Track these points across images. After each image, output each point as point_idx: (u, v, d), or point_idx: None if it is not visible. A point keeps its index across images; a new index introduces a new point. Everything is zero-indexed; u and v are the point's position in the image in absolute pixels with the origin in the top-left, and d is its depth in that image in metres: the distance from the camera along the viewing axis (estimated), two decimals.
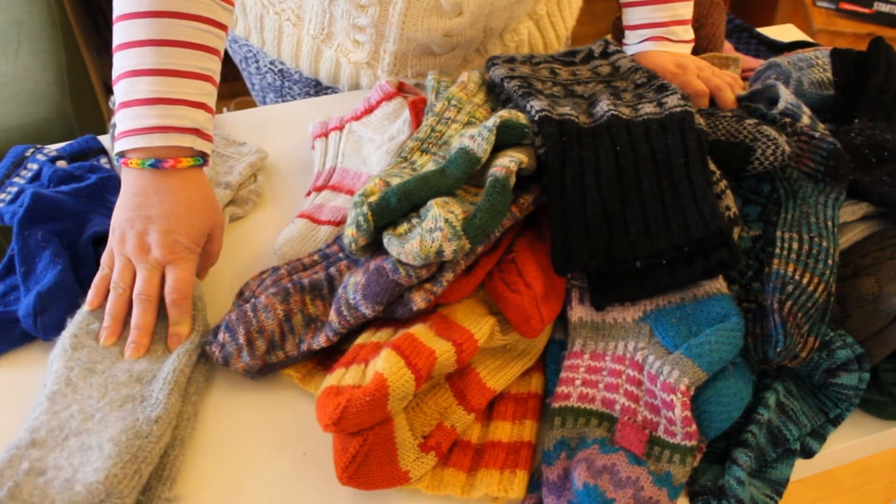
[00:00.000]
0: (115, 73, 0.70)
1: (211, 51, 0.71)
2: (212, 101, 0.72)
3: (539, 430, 0.63)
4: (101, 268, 0.70)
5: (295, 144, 0.93)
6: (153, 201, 0.69)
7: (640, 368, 0.62)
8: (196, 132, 0.70)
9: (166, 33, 0.68)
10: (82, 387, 0.61)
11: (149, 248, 0.68)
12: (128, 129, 0.69)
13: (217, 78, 0.73)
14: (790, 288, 0.62)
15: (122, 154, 0.70)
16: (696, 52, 0.97)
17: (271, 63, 1.05)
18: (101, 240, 0.73)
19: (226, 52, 1.14)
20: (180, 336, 0.67)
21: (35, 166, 0.84)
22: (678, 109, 0.69)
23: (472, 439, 0.62)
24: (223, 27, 0.73)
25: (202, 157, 0.71)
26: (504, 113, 0.68)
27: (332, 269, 0.69)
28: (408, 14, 0.90)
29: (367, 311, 0.62)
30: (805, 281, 0.62)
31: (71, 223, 0.76)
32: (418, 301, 0.61)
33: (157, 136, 0.68)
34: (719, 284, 0.64)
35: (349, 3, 0.91)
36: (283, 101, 1.10)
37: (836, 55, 0.83)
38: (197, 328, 0.68)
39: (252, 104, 1.19)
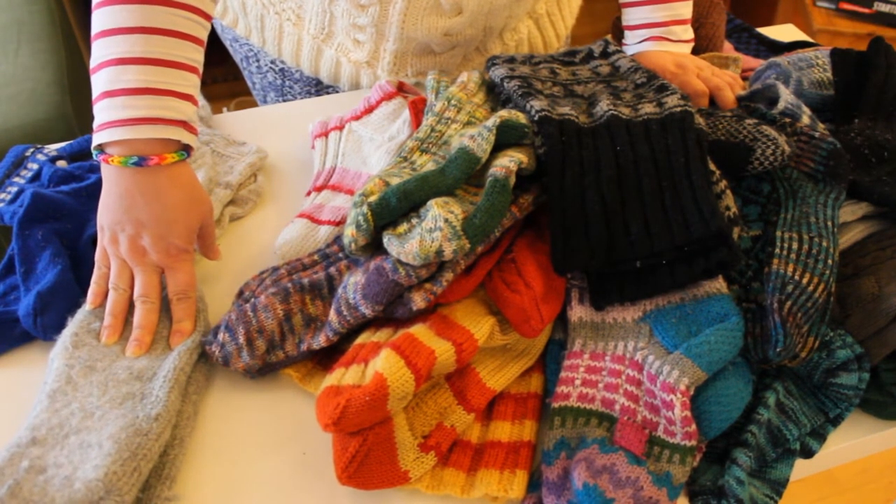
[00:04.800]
0: (95, 60, 0.67)
1: (197, 41, 0.70)
2: (197, 93, 0.71)
3: (539, 429, 0.63)
4: (97, 266, 0.70)
5: (295, 144, 0.93)
6: (140, 203, 0.67)
7: (640, 368, 0.62)
8: (184, 125, 0.69)
9: (155, 21, 0.66)
10: (83, 384, 0.61)
11: (144, 252, 0.68)
12: (112, 120, 0.66)
13: (201, 69, 0.72)
14: (790, 288, 0.62)
15: (101, 148, 0.67)
16: (696, 51, 0.97)
17: (272, 62, 1.05)
18: None
19: (226, 52, 1.15)
20: (184, 333, 0.67)
21: (35, 166, 0.84)
22: (678, 109, 0.69)
23: (471, 439, 0.62)
24: (208, 17, 0.72)
25: (186, 151, 0.70)
26: (504, 113, 0.68)
27: (332, 269, 0.69)
28: (408, 13, 0.90)
29: (366, 311, 0.62)
30: (805, 281, 0.62)
31: (71, 223, 0.76)
32: (418, 301, 0.61)
33: (146, 128, 0.66)
34: (719, 284, 0.64)
35: (349, 2, 0.91)
36: (285, 100, 1.10)
37: (836, 55, 0.83)
38: (198, 328, 0.68)
39: (252, 104, 1.18)
